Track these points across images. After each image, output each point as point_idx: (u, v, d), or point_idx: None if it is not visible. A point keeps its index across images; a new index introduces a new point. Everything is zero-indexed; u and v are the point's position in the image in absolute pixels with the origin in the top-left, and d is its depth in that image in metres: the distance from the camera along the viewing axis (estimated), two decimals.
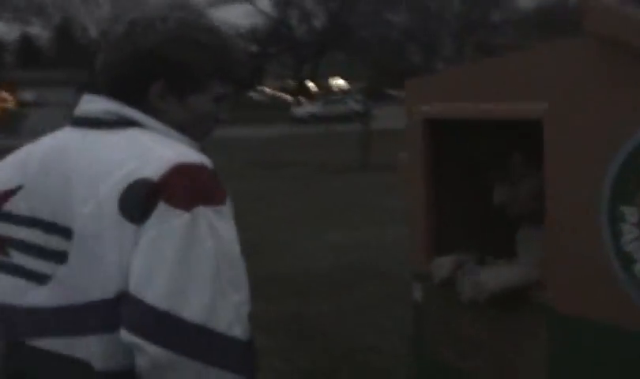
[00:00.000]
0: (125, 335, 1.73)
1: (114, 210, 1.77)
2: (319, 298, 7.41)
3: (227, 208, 1.82)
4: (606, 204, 2.16)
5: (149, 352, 1.71)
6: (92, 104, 1.96)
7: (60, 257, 1.86)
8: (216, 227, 1.76)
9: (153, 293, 1.71)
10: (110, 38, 1.99)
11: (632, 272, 2.12)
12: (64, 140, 1.99)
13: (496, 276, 2.53)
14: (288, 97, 58.98)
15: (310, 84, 60.81)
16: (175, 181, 1.75)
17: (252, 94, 58.17)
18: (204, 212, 1.75)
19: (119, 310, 1.75)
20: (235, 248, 1.80)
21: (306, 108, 49.50)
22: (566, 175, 2.27)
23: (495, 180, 2.65)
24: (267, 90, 64.86)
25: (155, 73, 1.93)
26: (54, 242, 1.88)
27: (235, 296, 1.77)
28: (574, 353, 2.32)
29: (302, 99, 54.73)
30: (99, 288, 1.79)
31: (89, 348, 1.82)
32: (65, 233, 1.85)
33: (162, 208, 1.73)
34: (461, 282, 2.62)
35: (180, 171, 1.77)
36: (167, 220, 1.73)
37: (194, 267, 1.73)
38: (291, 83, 63.26)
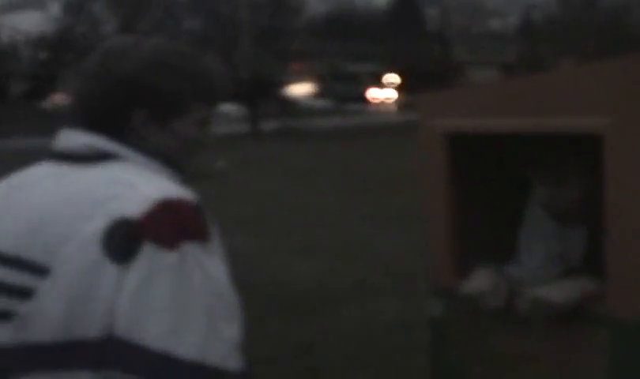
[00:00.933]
0: (120, 377, 1.72)
1: (97, 250, 1.74)
2: None
3: (212, 243, 1.82)
4: None
5: None
6: (71, 139, 1.92)
7: (24, 294, 1.79)
8: (204, 263, 1.77)
9: (147, 334, 1.70)
10: (85, 68, 1.96)
11: None
12: (37, 174, 1.94)
13: (558, 291, 2.56)
14: None
15: None
16: (159, 219, 1.75)
17: (44, 104, 56.53)
18: (191, 249, 1.76)
19: (104, 350, 1.73)
20: (224, 282, 1.82)
21: None
22: (630, 188, 2.32)
23: (538, 180, 2.67)
24: (59, 100, 63.20)
25: (134, 102, 1.91)
26: (15, 277, 1.81)
27: (227, 329, 1.78)
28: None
29: None
30: (79, 327, 1.74)
31: None
32: (34, 269, 1.79)
33: (148, 248, 1.73)
34: (518, 298, 2.63)
35: (164, 208, 1.76)
36: (154, 261, 1.72)
37: (185, 306, 1.73)
38: None
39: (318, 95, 69.56)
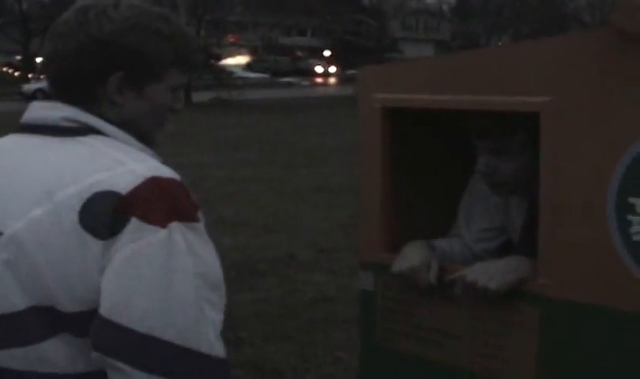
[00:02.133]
0: (102, 358, 1.64)
1: (73, 219, 1.65)
2: None
3: (201, 225, 1.75)
4: (614, 196, 2.25)
5: (132, 376, 1.62)
6: (48, 111, 1.82)
7: None
8: (193, 244, 1.70)
9: (132, 316, 1.62)
10: (58, 26, 1.83)
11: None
12: (6, 146, 1.85)
13: (493, 274, 2.51)
14: (16, 73, 56.76)
15: (39, 60, 58.61)
16: (149, 196, 1.67)
17: None
18: (179, 228, 1.68)
19: (82, 323, 1.66)
20: (213, 264, 1.75)
21: (35, 84, 48.05)
22: (569, 165, 2.32)
23: (483, 151, 2.66)
24: None
25: (112, 65, 1.80)
26: None
27: (214, 314, 1.72)
28: (572, 340, 2.40)
29: (30, 75, 52.90)
30: (44, 297, 1.67)
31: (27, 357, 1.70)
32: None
33: (135, 224, 1.64)
34: (448, 276, 2.59)
35: (153, 186, 1.68)
36: (142, 237, 1.64)
37: (173, 287, 1.65)
38: (17, 58, 60.86)
39: (252, 67, 69.39)
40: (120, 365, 1.62)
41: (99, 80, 1.81)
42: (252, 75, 62.22)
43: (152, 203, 1.66)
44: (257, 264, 8.74)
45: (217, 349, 1.70)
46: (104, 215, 1.64)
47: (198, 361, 1.66)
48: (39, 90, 44.49)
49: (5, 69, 61.52)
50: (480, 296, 2.49)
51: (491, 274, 2.48)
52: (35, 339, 1.68)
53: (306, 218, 11.32)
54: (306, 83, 62.29)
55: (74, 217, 1.64)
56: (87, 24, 1.80)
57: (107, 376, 1.66)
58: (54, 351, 1.69)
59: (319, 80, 65.07)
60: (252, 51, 73.72)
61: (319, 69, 69.48)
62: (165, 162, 1.85)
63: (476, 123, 2.62)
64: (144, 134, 1.89)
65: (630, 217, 2.23)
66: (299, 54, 78.24)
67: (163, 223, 1.65)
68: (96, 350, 1.64)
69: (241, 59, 69.79)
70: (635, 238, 2.22)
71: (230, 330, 6.29)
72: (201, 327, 1.67)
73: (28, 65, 56.21)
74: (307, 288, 7.81)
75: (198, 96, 39.68)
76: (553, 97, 2.33)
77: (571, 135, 2.31)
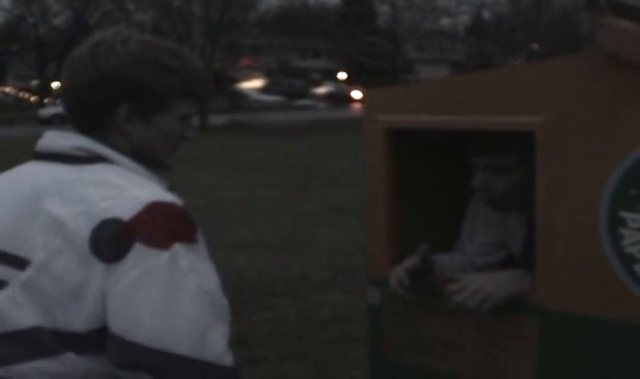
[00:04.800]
0: (125, 373, 1.77)
1: (84, 247, 1.77)
2: None
3: (201, 245, 1.87)
4: (606, 210, 2.35)
5: None
6: (61, 140, 1.96)
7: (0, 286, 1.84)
8: (194, 263, 1.82)
9: (145, 333, 1.74)
10: (73, 60, 1.98)
11: (632, 269, 2.34)
12: (24, 173, 1.98)
13: (495, 284, 2.61)
14: (32, 97, 57.05)
15: (55, 84, 58.94)
16: (150, 220, 1.79)
17: None
18: (181, 250, 1.80)
19: (90, 341, 1.78)
20: (214, 281, 1.86)
21: (52, 109, 48.30)
22: (564, 182, 2.43)
23: (479, 167, 2.75)
24: (9, 90, 62.39)
25: (120, 96, 1.94)
26: None
27: (221, 326, 1.84)
28: (569, 351, 2.50)
29: (47, 99, 53.19)
30: (56, 317, 1.79)
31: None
32: (15, 263, 1.83)
33: (139, 248, 1.76)
34: (449, 286, 2.67)
35: (154, 211, 1.80)
36: (146, 261, 1.76)
37: (180, 304, 1.77)
38: (34, 83, 61.14)
39: (267, 90, 69.31)
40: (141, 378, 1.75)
41: (109, 111, 1.94)
42: (267, 98, 62.25)
43: (153, 227, 1.78)
44: (273, 284, 8.80)
45: (227, 359, 1.82)
46: (108, 240, 1.76)
47: (213, 371, 1.78)
48: (56, 115, 44.74)
49: (21, 94, 61.93)
50: (481, 305, 2.58)
51: (492, 284, 2.58)
52: (47, 354, 1.80)
53: (321, 238, 11.36)
54: (322, 105, 62.20)
55: (85, 244, 1.77)
56: (97, 58, 1.93)
57: None
58: (66, 365, 1.80)
59: (357, 106, 63.78)
60: (267, 74, 73.86)
61: (357, 94, 67.98)
62: (174, 186, 1.98)
63: (474, 141, 2.72)
64: (156, 160, 2.02)
65: (621, 230, 2.33)
66: (313, 76, 78.22)
67: (165, 246, 1.77)
68: (116, 367, 1.77)
69: (256, 82, 69.89)
70: (627, 250, 2.33)
71: (246, 349, 6.37)
72: (211, 339, 1.79)
73: (44, 90, 56.47)
74: (323, 308, 7.86)
75: (214, 119, 39.75)
76: (547, 117, 2.44)
77: (565, 153, 2.42)
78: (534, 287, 2.55)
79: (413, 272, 2.75)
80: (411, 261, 2.77)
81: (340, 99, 65.97)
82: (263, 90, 69.48)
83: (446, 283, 2.70)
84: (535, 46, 60.66)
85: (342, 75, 70.73)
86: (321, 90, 69.24)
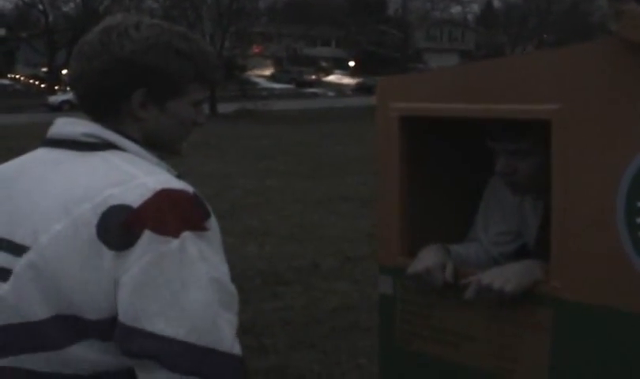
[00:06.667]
0: (136, 362, 1.75)
1: (91, 233, 1.74)
2: None
3: (212, 233, 1.84)
4: (623, 200, 2.32)
5: (160, 376, 1.73)
6: (71, 126, 1.93)
7: (3, 275, 1.81)
8: (204, 251, 1.79)
9: (155, 322, 1.72)
10: (83, 47, 1.94)
11: None
12: (32, 160, 1.95)
13: (509, 277, 2.57)
14: (42, 84, 57.23)
15: (65, 72, 59.07)
16: (160, 208, 1.76)
17: (4, 81, 55.95)
18: (191, 237, 1.77)
19: (102, 329, 1.76)
20: (224, 270, 1.83)
21: (61, 96, 48.49)
22: (580, 171, 2.39)
23: (501, 153, 2.72)
24: (19, 77, 62.58)
25: (135, 82, 1.91)
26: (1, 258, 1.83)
27: (230, 315, 1.81)
28: (584, 341, 2.46)
29: (57, 86, 53.37)
30: (67, 306, 1.76)
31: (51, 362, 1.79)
32: (17, 250, 1.81)
33: (148, 236, 1.73)
34: (464, 280, 2.65)
35: (164, 198, 1.77)
36: (155, 249, 1.73)
37: (190, 292, 1.75)
38: (43, 70, 61.39)
39: (277, 78, 69.42)
40: (150, 365, 1.73)
41: (123, 97, 1.91)
42: (277, 85, 62.33)
43: (163, 215, 1.74)
44: (283, 272, 8.81)
45: (236, 348, 1.80)
46: (119, 228, 1.73)
47: (221, 359, 1.76)
48: (65, 101, 44.92)
49: (31, 81, 62.14)
50: (495, 299, 2.56)
51: (506, 277, 2.55)
52: (61, 345, 1.78)
53: (330, 227, 11.37)
54: (331, 93, 62.28)
55: (92, 231, 1.74)
56: (110, 44, 1.89)
57: (136, 375, 1.78)
58: (79, 355, 1.79)
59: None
60: (276, 62, 73.93)
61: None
62: (183, 174, 1.94)
63: (491, 127, 2.69)
64: (168, 146, 2.00)
65: (638, 220, 2.29)
66: (324, 64, 78.28)
67: (175, 234, 1.74)
68: (124, 354, 1.74)
69: (265, 70, 69.97)
70: None
71: (254, 337, 6.38)
72: (220, 327, 1.77)
73: (53, 77, 56.67)
74: (331, 296, 7.87)
75: (223, 107, 39.84)
76: (563, 105, 2.40)
77: (581, 141, 2.38)
78: (549, 276, 2.51)
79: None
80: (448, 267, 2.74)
81: (370, 90, 66.24)
82: (271, 78, 69.60)
83: (460, 276, 2.67)
84: (545, 36, 60.51)
85: (351, 63, 70.71)
86: (351, 81, 69.32)
